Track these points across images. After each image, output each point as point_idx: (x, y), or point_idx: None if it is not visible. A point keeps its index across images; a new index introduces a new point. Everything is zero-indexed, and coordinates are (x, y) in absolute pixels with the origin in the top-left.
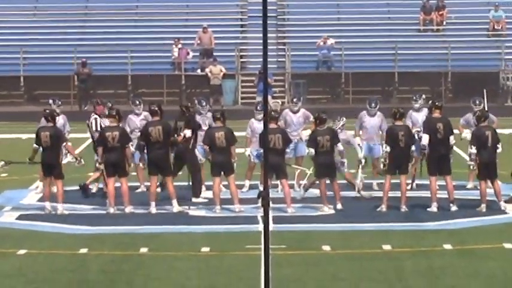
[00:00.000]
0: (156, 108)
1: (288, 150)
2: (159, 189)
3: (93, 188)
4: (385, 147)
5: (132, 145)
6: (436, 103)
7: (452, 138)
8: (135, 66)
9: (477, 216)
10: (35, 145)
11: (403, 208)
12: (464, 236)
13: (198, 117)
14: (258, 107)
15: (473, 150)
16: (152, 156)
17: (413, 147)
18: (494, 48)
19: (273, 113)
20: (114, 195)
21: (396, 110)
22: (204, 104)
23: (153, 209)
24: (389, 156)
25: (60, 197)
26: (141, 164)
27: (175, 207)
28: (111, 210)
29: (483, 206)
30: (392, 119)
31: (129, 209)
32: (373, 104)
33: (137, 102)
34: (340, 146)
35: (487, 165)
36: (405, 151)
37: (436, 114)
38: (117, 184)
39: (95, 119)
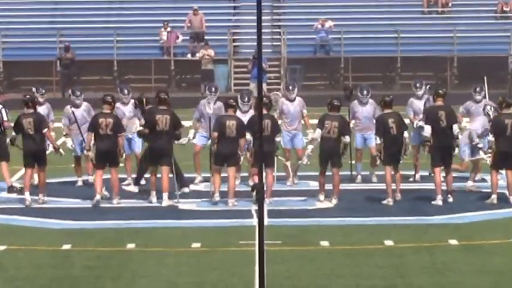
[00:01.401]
0: (165, 96)
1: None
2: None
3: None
4: (377, 140)
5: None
6: (439, 91)
7: (456, 127)
8: (121, 50)
9: (484, 209)
10: (13, 134)
11: (398, 196)
12: (470, 231)
13: (203, 101)
14: (245, 99)
15: (491, 138)
16: (156, 146)
17: (405, 134)
18: (502, 31)
19: (263, 99)
20: (102, 185)
21: (386, 98)
22: (213, 90)
23: (154, 199)
24: (383, 146)
25: (42, 187)
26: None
27: (166, 201)
28: (98, 197)
29: (494, 197)
30: (381, 107)
31: (116, 200)
32: (364, 92)
33: (126, 91)
34: (347, 138)
35: (506, 155)
36: (398, 139)
37: (439, 102)
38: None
39: (3, 108)
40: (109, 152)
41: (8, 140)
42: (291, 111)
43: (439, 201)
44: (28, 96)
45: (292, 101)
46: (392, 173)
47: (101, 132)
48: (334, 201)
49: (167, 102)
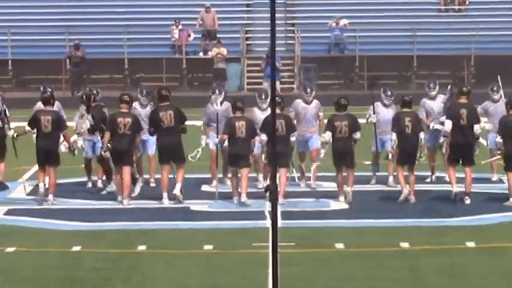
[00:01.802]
0: (167, 93)
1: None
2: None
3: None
4: (392, 136)
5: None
6: (463, 89)
7: (477, 127)
8: (132, 48)
9: (502, 211)
10: (27, 127)
11: (412, 199)
12: (488, 233)
13: (211, 101)
14: (263, 96)
15: (499, 139)
16: (163, 143)
17: (421, 135)
18: None
19: (277, 98)
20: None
21: (405, 97)
22: (216, 91)
23: (165, 201)
24: (397, 145)
25: (52, 187)
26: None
27: (177, 189)
28: (120, 198)
29: None
30: (400, 106)
31: (127, 201)
32: (389, 92)
33: (144, 92)
34: (358, 134)
35: None
36: (412, 139)
37: (462, 100)
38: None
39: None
40: (125, 152)
41: (14, 133)
42: (307, 113)
43: (456, 189)
44: (48, 93)
45: (309, 103)
46: (406, 173)
47: (119, 131)
48: (348, 198)
49: (169, 98)
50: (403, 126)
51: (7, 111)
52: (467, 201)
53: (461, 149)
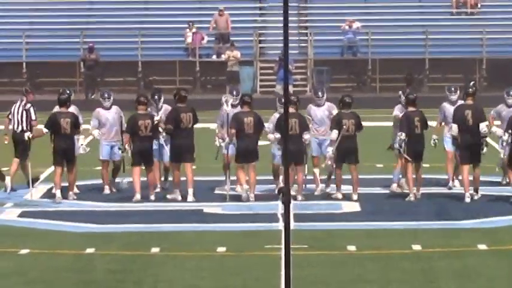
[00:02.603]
0: (186, 94)
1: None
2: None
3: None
4: (402, 135)
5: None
6: (469, 89)
7: (482, 126)
8: (145, 51)
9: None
10: (45, 129)
11: (418, 195)
12: (500, 235)
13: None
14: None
15: (505, 137)
16: (180, 144)
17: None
18: None
19: (292, 97)
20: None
21: (410, 96)
22: (234, 93)
23: (179, 196)
24: (407, 144)
25: (72, 184)
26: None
27: (190, 197)
28: (138, 196)
29: None
30: (406, 105)
31: (153, 197)
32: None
33: (156, 97)
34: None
35: None
36: (421, 137)
37: (468, 101)
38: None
39: (32, 106)
40: (147, 152)
41: (30, 135)
42: (319, 116)
43: (467, 198)
44: (66, 95)
45: (320, 106)
46: (414, 176)
47: (140, 134)
48: (355, 197)
49: (186, 100)
50: (413, 126)
51: (32, 114)
52: (475, 197)
53: (470, 149)
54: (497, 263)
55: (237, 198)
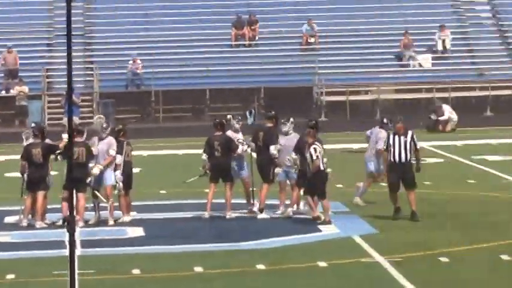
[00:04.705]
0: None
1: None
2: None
3: None
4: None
5: None
6: (268, 113)
7: (272, 148)
8: None
9: (287, 235)
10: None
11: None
12: (278, 255)
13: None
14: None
15: (294, 155)
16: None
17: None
18: (307, 62)
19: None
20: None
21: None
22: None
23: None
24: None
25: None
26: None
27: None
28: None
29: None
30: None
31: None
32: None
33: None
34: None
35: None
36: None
37: (268, 123)
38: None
39: None
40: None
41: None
42: (102, 149)
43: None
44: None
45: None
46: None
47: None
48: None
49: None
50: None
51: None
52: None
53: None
54: (276, 282)
55: (27, 227)
